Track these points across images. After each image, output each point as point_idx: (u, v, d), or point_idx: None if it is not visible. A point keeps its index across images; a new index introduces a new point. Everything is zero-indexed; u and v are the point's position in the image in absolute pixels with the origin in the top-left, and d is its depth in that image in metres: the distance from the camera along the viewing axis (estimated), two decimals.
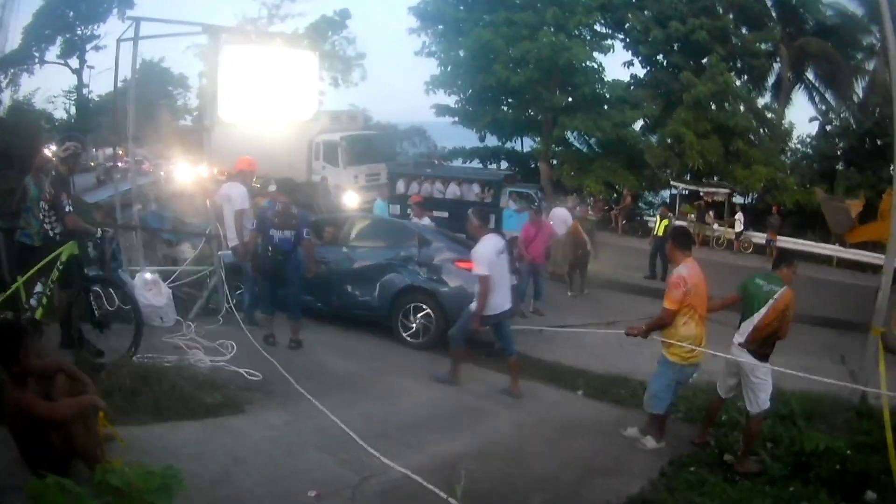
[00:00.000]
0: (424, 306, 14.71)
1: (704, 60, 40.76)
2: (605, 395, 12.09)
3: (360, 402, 10.55)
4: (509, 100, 44.96)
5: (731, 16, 43.23)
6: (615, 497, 7.82)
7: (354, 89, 59.23)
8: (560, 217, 23.22)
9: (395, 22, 58.60)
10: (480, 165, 47.25)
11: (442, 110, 46.32)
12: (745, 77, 44.56)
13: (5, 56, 29.69)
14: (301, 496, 7.06)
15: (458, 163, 48.23)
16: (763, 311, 8.98)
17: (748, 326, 9.08)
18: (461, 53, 43.38)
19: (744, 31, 43.92)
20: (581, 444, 9.70)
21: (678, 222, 31.20)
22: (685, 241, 9.89)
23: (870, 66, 42.65)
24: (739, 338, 9.15)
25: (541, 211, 21.28)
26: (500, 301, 11.98)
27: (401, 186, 31.67)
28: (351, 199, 30.56)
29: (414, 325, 14.73)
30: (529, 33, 40.06)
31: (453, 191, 31.44)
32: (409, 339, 14.72)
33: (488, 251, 11.74)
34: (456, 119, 46.27)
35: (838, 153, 40.44)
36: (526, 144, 49.14)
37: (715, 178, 39.32)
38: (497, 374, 13.06)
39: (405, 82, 69.21)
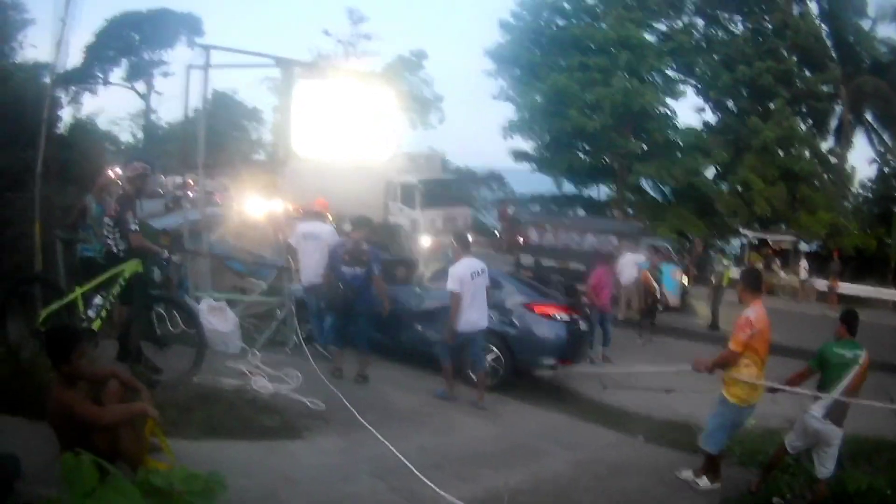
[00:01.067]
0: (493, 348, 14.59)
1: (771, 105, 40.41)
2: (664, 438, 11.93)
3: (418, 434, 10.54)
4: (585, 146, 45.10)
5: (794, 58, 42.87)
6: None
7: (432, 131, 59.48)
8: (630, 263, 23.39)
9: (471, 64, 59.18)
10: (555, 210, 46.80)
11: (520, 156, 46.50)
12: (810, 121, 44.26)
13: (66, 73, 30.20)
14: None
15: (535, 209, 47.90)
16: (847, 379, 8.81)
17: (831, 396, 8.83)
18: (537, 98, 43.43)
19: (806, 73, 43.62)
20: (632, 483, 9.60)
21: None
22: (755, 282, 9.78)
23: None
24: (819, 410, 8.88)
25: (613, 258, 21.26)
26: (474, 319, 12.82)
27: (533, 235, 31.49)
28: (427, 242, 30.62)
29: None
30: (603, 78, 40.39)
31: (590, 242, 31.25)
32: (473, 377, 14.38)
33: (463, 271, 12.63)
34: (533, 165, 46.21)
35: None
36: (602, 192, 49.05)
37: (782, 226, 38.92)
38: (557, 414, 13.15)
39: (482, 126, 69.52)
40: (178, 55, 64.63)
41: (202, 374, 10.39)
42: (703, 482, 9.45)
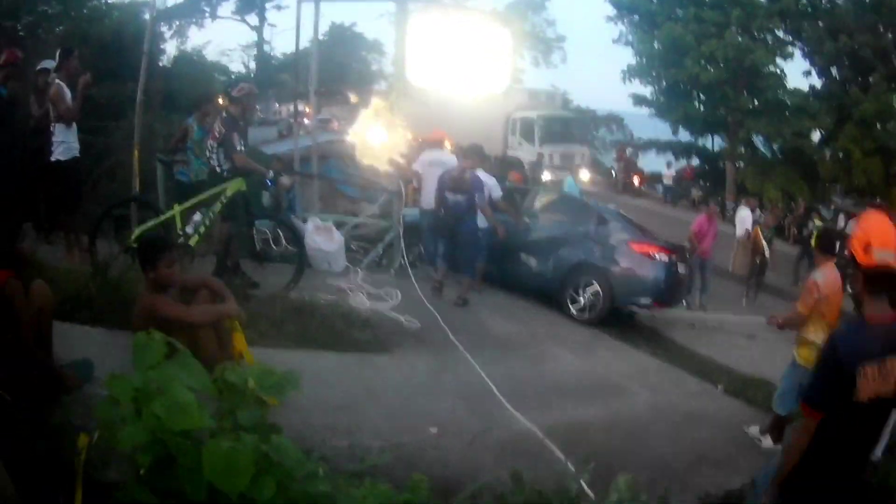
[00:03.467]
0: (594, 283, 14.69)
1: (871, 79, 39.35)
2: (743, 394, 11.76)
3: (508, 361, 10.69)
4: (700, 96, 44.60)
5: (889, 36, 41.51)
6: (715, 489, 7.78)
7: (554, 71, 59.32)
8: (743, 218, 23.32)
9: (592, 8, 58.52)
10: (672, 159, 46.84)
11: (639, 100, 46.07)
12: None
13: (169, 9, 30.64)
14: (421, 432, 7.30)
15: (650, 155, 48.03)
16: None
17: None
18: (655, 45, 43.23)
19: None
20: (703, 434, 9.52)
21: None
22: (828, 244, 9.44)
23: None
24: None
25: (716, 208, 21.27)
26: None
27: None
28: (544, 177, 30.70)
29: (582, 300, 14.71)
30: (717, 31, 39.94)
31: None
32: (575, 312, 14.72)
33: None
34: (652, 110, 45.99)
35: None
36: (716, 143, 48.50)
37: (877, 200, 38.13)
38: (648, 356, 13.20)
39: (603, 69, 68.67)
40: None
41: (301, 290, 10.68)
42: (767, 442, 9.35)
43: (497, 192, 14.75)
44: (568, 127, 38.73)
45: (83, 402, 5.63)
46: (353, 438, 6.65)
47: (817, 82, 44.15)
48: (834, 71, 43.00)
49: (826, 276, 8.87)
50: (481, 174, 14.21)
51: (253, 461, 3.11)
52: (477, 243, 13.89)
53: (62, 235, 11.19)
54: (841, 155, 39.58)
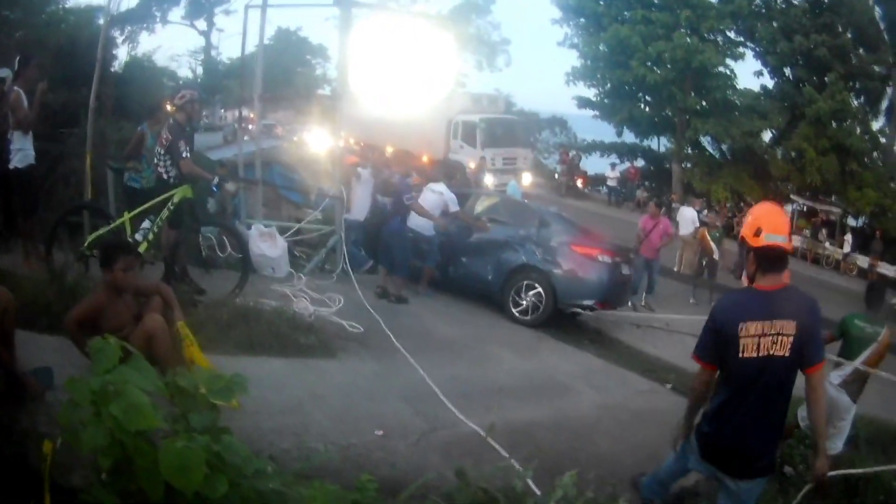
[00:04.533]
0: (536, 285, 14.86)
1: (826, 79, 40.03)
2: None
3: (452, 364, 10.82)
4: (646, 97, 45.27)
5: (849, 35, 42.52)
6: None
7: (498, 74, 59.87)
8: (687, 217, 23.59)
9: (537, 11, 58.95)
10: (617, 161, 47.13)
11: (583, 102, 46.77)
12: (862, 99, 43.67)
13: (121, 14, 30.53)
14: (367, 434, 7.39)
15: (594, 157, 48.36)
16: (866, 353, 8.93)
17: (847, 368, 8.97)
18: (601, 47, 43.81)
19: (861, 51, 43.07)
20: (654, 432, 9.34)
21: (795, 236, 31.54)
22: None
23: None
24: (836, 378, 8.99)
25: (660, 206, 21.30)
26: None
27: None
28: (487, 180, 30.86)
29: (524, 303, 14.89)
30: (665, 33, 40.64)
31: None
32: (517, 315, 14.90)
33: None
34: (596, 112, 46.36)
35: None
36: (662, 144, 49.11)
37: (833, 198, 38.69)
38: (593, 357, 13.48)
39: (548, 71, 69.33)
40: None
41: (246, 295, 10.72)
42: None
43: (454, 207, 15.13)
44: (510, 130, 38.83)
45: (46, 409, 5.71)
46: (300, 441, 6.72)
47: (770, 82, 44.96)
48: (787, 71, 43.81)
49: None
50: (441, 188, 15.04)
51: (205, 460, 3.21)
52: (403, 244, 14.36)
53: (20, 242, 11.14)
54: (794, 154, 40.24)
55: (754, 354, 5.33)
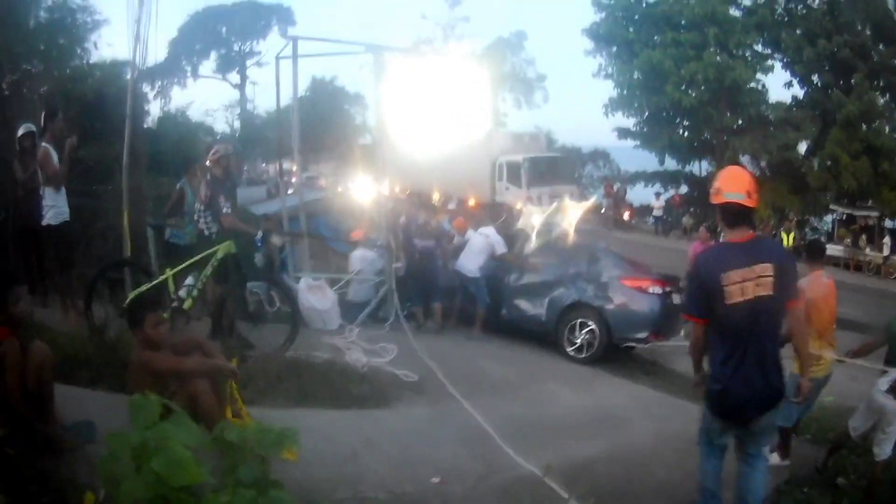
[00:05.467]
0: (590, 322, 14.79)
1: (852, 80, 39.57)
2: None
3: (508, 405, 10.76)
4: (684, 122, 45.17)
5: (868, 32, 41.96)
6: None
7: (537, 111, 59.74)
8: None
9: (570, 43, 59.04)
10: (662, 190, 46.90)
11: (623, 133, 46.75)
12: (887, 95, 42.87)
13: (150, 69, 30.81)
14: (424, 481, 7.34)
15: (639, 187, 48.30)
16: None
17: (894, 373, 8.67)
18: (635, 75, 43.78)
19: (881, 47, 42.19)
20: None
21: (835, 246, 31.53)
22: (815, 252, 9.87)
23: None
24: (884, 384, 8.67)
25: (710, 231, 21.27)
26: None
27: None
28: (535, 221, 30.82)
29: (578, 341, 14.82)
30: (695, 53, 40.51)
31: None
32: (572, 353, 14.82)
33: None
34: (637, 142, 46.51)
35: None
36: (703, 168, 48.66)
37: (869, 202, 38.22)
38: (648, 388, 13.35)
39: (585, 104, 69.27)
40: (272, 45, 65.54)
41: (297, 349, 10.73)
42: (774, 458, 9.22)
43: (501, 249, 15.46)
44: (554, 167, 38.73)
45: (88, 462, 5.70)
46: (356, 490, 6.71)
47: (799, 92, 44.65)
48: (815, 77, 43.38)
49: (812, 281, 9.12)
50: (489, 231, 15.59)
51: None
52: (439, 279, 15.58)
53: (58, 298, 11.19)
54: (828, 162, 39.60)
55: (741, 299, 5.81)
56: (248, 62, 64.57)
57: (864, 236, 35.92)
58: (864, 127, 38.66)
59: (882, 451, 8.50)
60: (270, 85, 63.39)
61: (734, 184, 6.02)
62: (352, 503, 6.38)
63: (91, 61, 26.79)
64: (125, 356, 7.61)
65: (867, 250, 35.33)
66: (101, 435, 6.10)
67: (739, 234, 6.02)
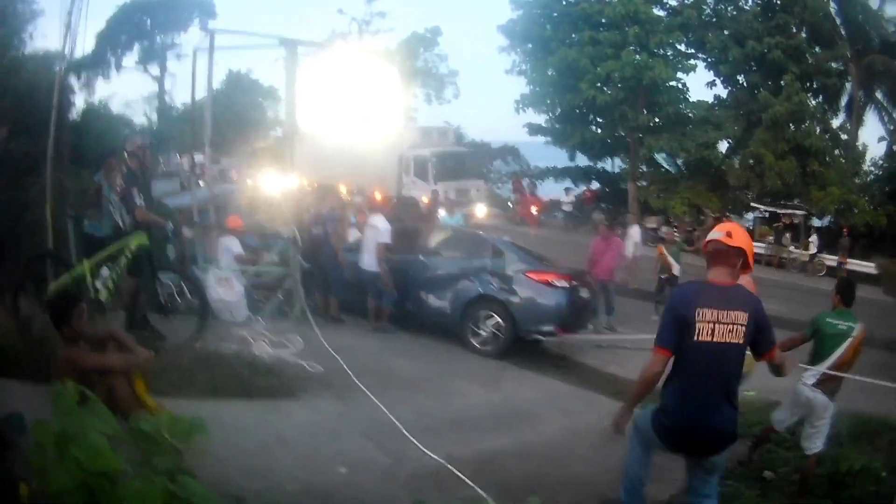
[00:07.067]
0: (494, 315, 14.93)
1: (782, 82, 39.98)
2: None
3: (415, 400, 10.86)
4: (598, 119, 45.05)
5: (803, 34, 42.63)
6: None
7: (447, 106, 59.70)
8: (632, 236, 23.73)
9: (485, 40, 58.78)
10: (572, 185, 47.09)
11: (534, 129, 46.60)
12: (820, 97, 43.98)
13: (78, 61, 30.35)
14: (333, 473, 7.46)
15: (549, 183, 48.49)
16: (840, 351, 8.81)
17: (822, 367, 8.84)
18: (549, 72, 43.44)
19: (816, 49, 43.14)
20: (624, 451, 9.54)
21: (758, 244, 31.30)
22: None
23: None
24: (811, 378, 8.89)
25: (611, 227, 21.30)
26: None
27: None
28: (440, 215, 30.99)
29: (484, 333, 14.95)
30: (614, 52, 40.29)
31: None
32: (478, 346, 14.95)
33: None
34: (548, 139, 46.53)
35: None
36: (616, 165, 49.02)
37: (796, 201, 38.88)
38: (558, 382, 13.46)
39: (498, 101, 69.52)
40: (192, 38, 64.93)
41: (206, 340, 10.79)
42: None
43: (382, 239, 15.36)
44: (462, 162, 38.93)
45: (21, 454, 5.70)
46: (267, 482, 6.81)
47: (724, 92, 45.20)
48: (741, 78, 44.03)
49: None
50: (377, 221, 15.58)
51: (162, 499, 3.24)
52: (333, 269, 15.96)
53: None
54: (752, 161, 40.22)
55: (709, 339, 5.75)
56: (169, 53, 63.84)
57: (787, 234, 36.57)
58: (791, 127, 39.18)
59: (813, 445, 8.73)
60: (189, 78, 63.19)
61: (719, 228, 6.11)
62: (264, 495, 6.43)
63: (26, 52, 26.43)
64: (51, 349, 7.61)
65: (791, 248, 36.09)
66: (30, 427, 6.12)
67: (720, 276, 6.01)
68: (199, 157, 22.82)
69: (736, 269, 6.05)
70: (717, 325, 5.77)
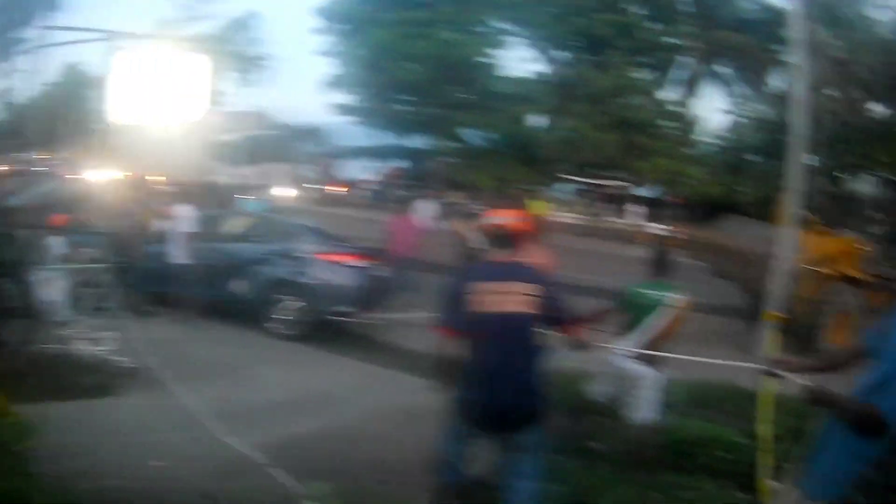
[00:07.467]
0: (292, 298, 15.87)
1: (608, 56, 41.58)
2: None
3: (219, 387, 11.56)
4: (409, 98, 45.93)
5: (641, 11, 44.16)
6: None
7: (263, 91, 59.95)
8: (425, 211, 24.46)
9: (304, 24, 58.80)
10: (380, 163, 48.59)
11: (345, 110, 47.61)
12: (652, 71, 45.64)
13: None
14: (146, 467, 8.21)
15: (360, 162, 49.74)
16: (651, 320, 8.88)
17: (637, 336, 8.95)
18: (362, 52, 44.52)
19: (652, 26, 44.62)
20: (432, 430, 8.44)
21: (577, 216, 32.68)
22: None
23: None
24: (624, 347, 8.98)
25: (409, 204, 22.46)
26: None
27: None
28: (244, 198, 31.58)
29: (284, 317, 15.86)
30: (425, 31, 41.47)
31: None
32: (281, 330, 15.79)
33: None
34: (359, 119, 47.52)
35: (753, 145, 41.29)
36: (427, 143, 49.57)
37: (619, 173, 40.39)
38: (360, 363, 14.24)
39: (312, 83, 69.19)
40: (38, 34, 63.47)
41: (33, 343, 11.52)
42: None
43: (184, 228, 16.21)
44: (268, 145, 39.44)
45: None
46: (93, 481, 7.46)
47: (544, 68, 46.89)
48: (565, 55, 45.66)
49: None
50: (182, 210, 16.23)
51: None
52: (136, 263, 16.28)
53: None
54: (572, 134, 41.22)
55: (487, 310, 5.99)
56: (14, 50, 61.98)
57: (603, 204, 38.46)
58: (616, 102, 40.72)
59: (640, 415, 8.84)
60: (33, 73, 61.51)
61: (500, 214, 6.52)
62: (91, 494, 7.09)
63: None
64: None
65: (613, 218, 37.95)
66: None
67: (500, 255, 6.28)
68: (31, 154, 22.95)
69: (513, 247, 6.31)
70: (493, 296, 5.99)
